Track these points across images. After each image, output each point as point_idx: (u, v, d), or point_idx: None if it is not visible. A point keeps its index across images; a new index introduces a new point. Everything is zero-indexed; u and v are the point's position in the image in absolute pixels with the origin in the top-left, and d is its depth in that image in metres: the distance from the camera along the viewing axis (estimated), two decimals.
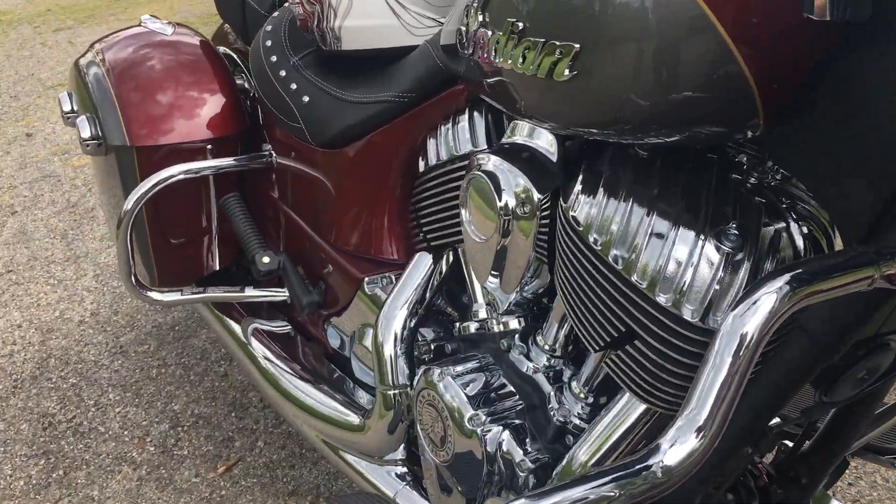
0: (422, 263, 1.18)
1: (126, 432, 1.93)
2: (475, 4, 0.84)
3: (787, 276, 0.63)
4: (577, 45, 0.69)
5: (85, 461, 1.86)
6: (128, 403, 2.02)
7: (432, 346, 1.19)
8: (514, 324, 1.05)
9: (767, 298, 0.62)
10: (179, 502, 1.72)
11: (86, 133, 1.47)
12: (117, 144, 1.46)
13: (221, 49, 1.71)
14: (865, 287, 0.65)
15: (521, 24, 0.75)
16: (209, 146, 1.48)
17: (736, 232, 0.75)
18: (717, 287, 0.74)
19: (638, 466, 0.62)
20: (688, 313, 0.75)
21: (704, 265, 0.75)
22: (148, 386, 2.07)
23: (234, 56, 1.67)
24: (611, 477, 0.62)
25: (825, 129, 0.68)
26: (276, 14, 1.45)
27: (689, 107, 0.68)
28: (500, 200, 0.90)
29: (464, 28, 0.89)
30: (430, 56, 1.16)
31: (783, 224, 0.77)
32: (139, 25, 1.66)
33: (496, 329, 1.06)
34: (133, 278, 1.47)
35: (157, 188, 1.41)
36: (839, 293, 0.64)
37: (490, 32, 0.81)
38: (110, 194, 1.59)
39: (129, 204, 1.41)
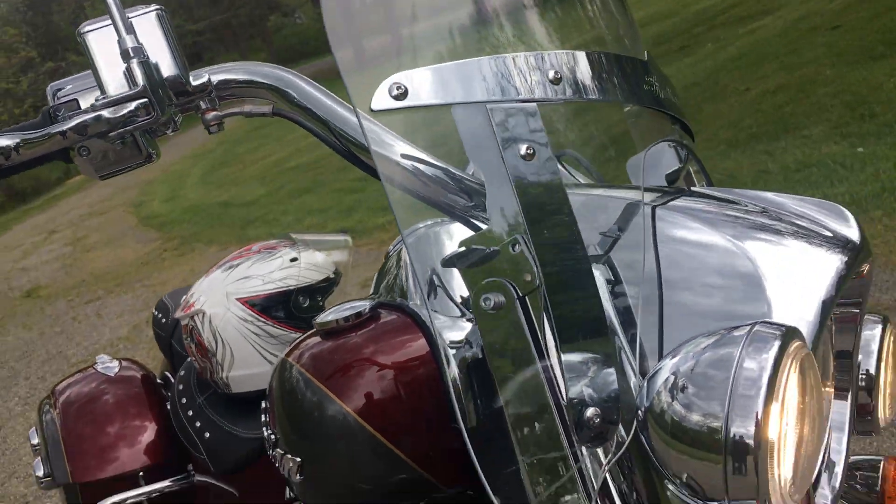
0: None
1: None
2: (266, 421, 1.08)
3: None
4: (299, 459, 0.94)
5: None
6: None
7: None
8: None
9: None
10: None
11: (39, 472, 1.74)
12: (63, 483, 1.71)
13: (168, 374, 2.00)
14: None
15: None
16: (141, 473, 1.73)
17: None
18: None
19: None
20: None
21: None
22: None
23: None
24: None
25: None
26: (189, 359, 1.74)
27: (391, 493, 0.92)
28: None
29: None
30: None
31: None
32: (92, 367, 1.97)
33: None
34: None
35: None
36: None
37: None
38: None
39: None
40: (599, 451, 0.68)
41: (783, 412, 0.58)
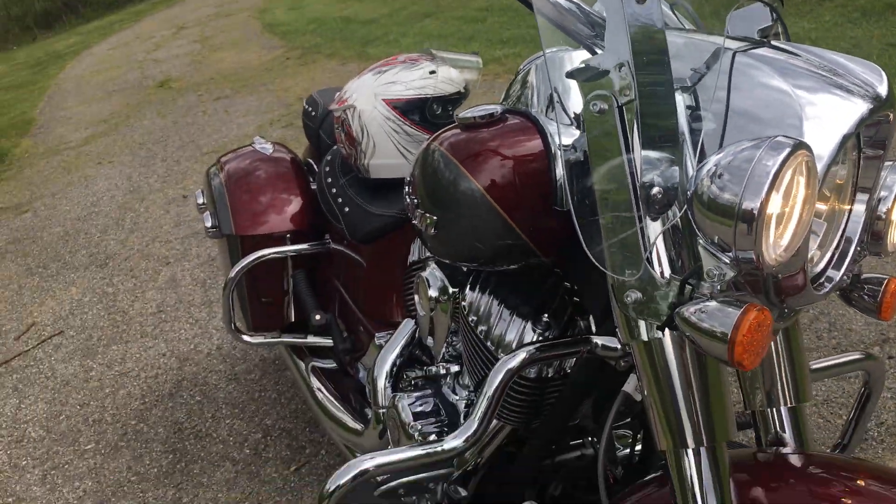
0: (407, 326, 1.74)
1: (231, 438, 2.59)
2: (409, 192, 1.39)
3: (530, 347, 1.16)
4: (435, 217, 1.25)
5: (200, 457, 2.52)
6: (235, 417, 2.68)
7: (412, 381, 1.75)
8: (442, 370, 1.59)
9: (517, 356, 1.15)
10: (261, 490, 2.34)
11: (208, 224, 2.15)
12: (228, 233, 2.12)
13: (310, 160, 2.35)
14: (581, 356, 1.17)
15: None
16: (288, 235, 2.11)
17: (547, 320, 1.28)
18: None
19: (438, 445, 1.16)
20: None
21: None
22: (250, 405, 2.72)
23: (315, 167, 2.31)
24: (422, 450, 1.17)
25: (582, 265, 1.21)
26: (335, 147, 2.08)
27: (500, 253, 1.22)
28: (430, 292, 1.47)
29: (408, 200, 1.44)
30: None
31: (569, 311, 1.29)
32: (250, 146, 2.33)
33: (441, 371, 1.61)
34: (233, 325, 2.12)
35: (251, 264, 2.05)
36: (566, 357, 1.18)
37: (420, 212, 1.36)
38: (223, 264, 2.25)
39: (231, 273, 2.06)
40: (658, 223, 0.96)
41: (788, 196, 0.85)
